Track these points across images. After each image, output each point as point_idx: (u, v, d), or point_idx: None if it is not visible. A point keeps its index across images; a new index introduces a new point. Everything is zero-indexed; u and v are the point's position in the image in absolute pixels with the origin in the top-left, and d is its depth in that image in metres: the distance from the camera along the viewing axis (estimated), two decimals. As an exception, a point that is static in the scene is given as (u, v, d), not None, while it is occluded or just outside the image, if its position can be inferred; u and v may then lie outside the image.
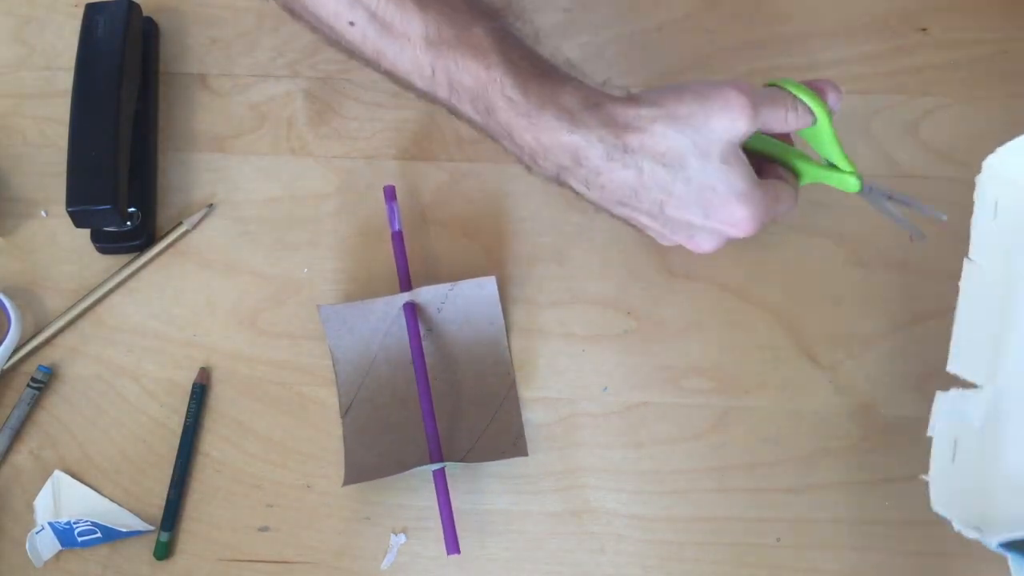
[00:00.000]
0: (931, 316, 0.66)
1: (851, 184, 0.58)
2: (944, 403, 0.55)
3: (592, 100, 0.54)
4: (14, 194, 0.73)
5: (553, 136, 0.54)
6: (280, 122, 0.74)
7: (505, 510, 0.65)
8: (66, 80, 0.70)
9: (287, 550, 0.65)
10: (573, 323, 0.68)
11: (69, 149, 0.68)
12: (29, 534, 0.63)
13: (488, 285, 0.66)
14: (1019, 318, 0.58)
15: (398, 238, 0.68)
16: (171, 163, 0.74)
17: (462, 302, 0.67)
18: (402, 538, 0.64)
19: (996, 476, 0.55)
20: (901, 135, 0.71)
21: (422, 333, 0.67)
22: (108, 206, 0.67)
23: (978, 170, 0.58)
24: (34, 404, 0.67)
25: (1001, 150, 0.58)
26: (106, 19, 0.71)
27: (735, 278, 0.68)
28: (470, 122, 0.57)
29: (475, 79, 0.54)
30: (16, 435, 0.67)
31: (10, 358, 0.68)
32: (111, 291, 0.70)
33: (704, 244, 0.58)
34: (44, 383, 0.68)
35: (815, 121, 0.57)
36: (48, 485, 0.66)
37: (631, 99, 0.55)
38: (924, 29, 0.74)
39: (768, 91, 0.56)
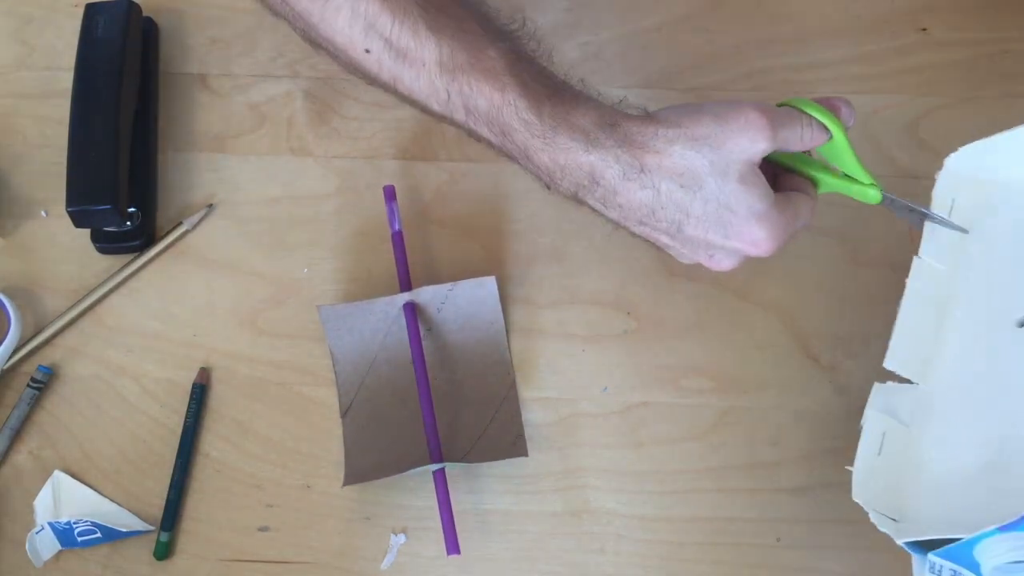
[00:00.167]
0: (931, 316, 0.66)
1: (871, 196, 0.58)
2: (878, 396, 0.56)
3: (608, 119, 0.54)
4: (14, 194, 0.73)
5: (569, 156, 0.54)
6: (280, 122, 0.74)
7: (505, 510, 0.65)
8: (66, 80, 0.70)
9: (287, 550, 0.65)
10: (573, 323, 0.68)
11: (69, 149, 0.68)
12: (29, 534, 0.63)
13: (488, 285, 0.66)
14: (958, 319, 0.58)
15: (398, 238, 0.68)
16: (171, 163, 0.74)
17: (462, 302, 0.67)
18: (402, 538, 0.64)
19: (918, 474, 0.55)
20: (901, 135, 0.71)
21: (422, 333, 0.67)
22: (108, 206, 0.67)
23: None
24: (34, 404, 0.67)
25: (964, 150, 0.59)
26: (106, 19, 0.71)
27: (735, 278, 0.68)
28: (488, 144, 0.57)
29: (489, 102, 0.54)
30: (16, 435, 0.67)
31: (10, 358, 0.68)
32: (111, 291, 0.70)
33: (724, 263, 0.58)
34: (44, 383, 0.68)
35: (831, 138, 0.57)
36: (48, 485, 0.66)
37: (648, 118, 0.55)
38: (924, 29, 0.74)
39: (784, 110, 0.56)
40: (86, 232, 0.71)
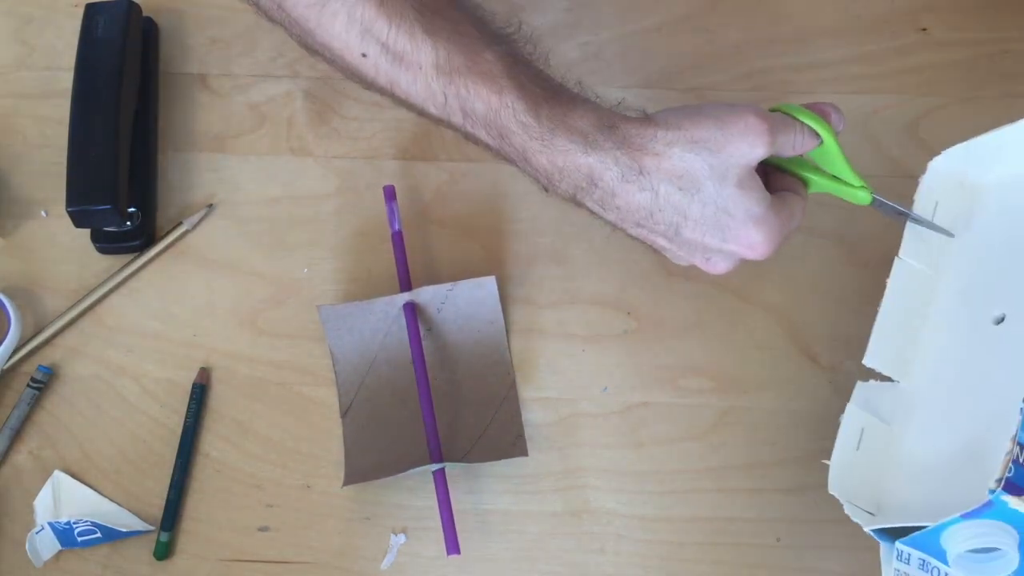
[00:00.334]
0: (931, 316, 0.66)
1: (861, 198, 0.59)
2: (860, 393, 0.57)
3: (606, 121, 0.54)
4: (14, 194, 0.73)
5: (568, 158, 0.54)
6: (280, 122, 0.74)
7: (505, 510, 0.65)
8: (66, 80, 0.70)
9: (287, 550, 0.65)
10: (573, 323, 0.68)
11: (69, 149, 0.68)
12: (29, 534, 0.63)
13: (488, 285, 0.66)
14: (938, 318, 0.59)
15: (398, 238, 0.68)
16: (171, 163, 0.74)
17: (462, 302, 0.67)
18: (402, 538, 0.64)
19: (897, 470, 0.56)
20: (901, 135, 0.71)
21: (422, 333, 0.67)
22: (108, 206, 0.67)
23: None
24: (34, 404, 0.67)
25: (948, 152, 0.60)
26: (106, 19, 0.71)
27: (735, 278, 0.68)
28: (486, 147, 0.57)
29: (487, 105, 0.54)
30: (16, 435, 0.67)
31: (10, 358, 0.68)
32: (111, 291, 0.70)
33: (719, 266, 0.58)
34: (44, 383, 0.68)
35: (821, 143, 0.57)
36: (48, 485, 0.66)
37: (647, 120, 0.55)
38: (924, 29, 0.74)
39: (779, 116, 0.56)
40: (86, 232, 0.71)
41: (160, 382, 0.68)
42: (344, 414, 0.67)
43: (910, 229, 0.60)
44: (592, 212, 0.57)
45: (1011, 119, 0.58)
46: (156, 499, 0.65)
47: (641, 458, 0.65)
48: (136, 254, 0.71)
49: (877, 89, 0.73)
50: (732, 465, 0.65)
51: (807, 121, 0.56)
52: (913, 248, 0.60)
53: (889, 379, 0.58)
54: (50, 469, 0.66)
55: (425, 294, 0.66)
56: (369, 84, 0.57)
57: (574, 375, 0.67)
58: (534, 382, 0.67)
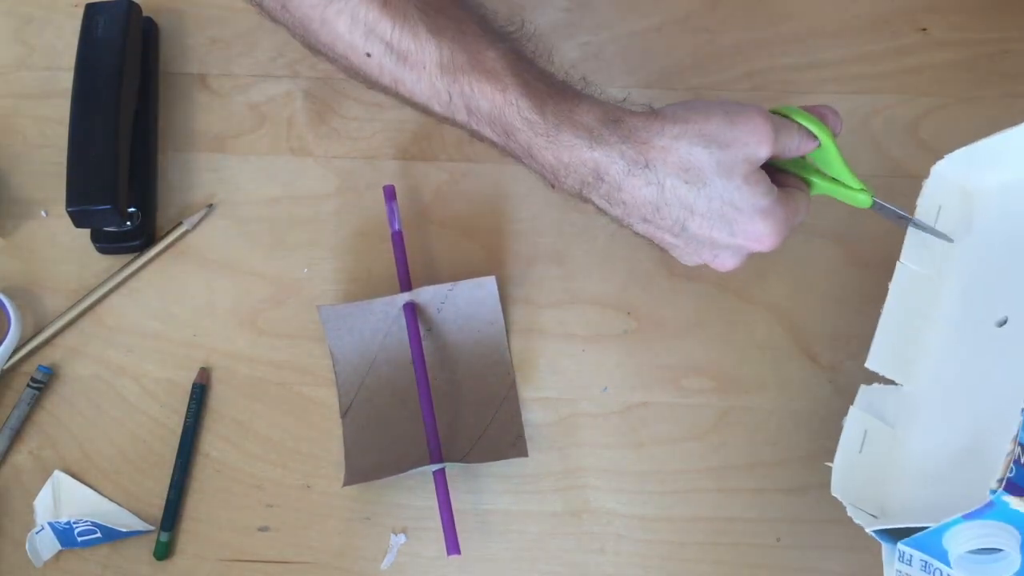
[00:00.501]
0: (931, 316, 0.66)
1: (861, 200, 0.59)
2: (863, 396, 0.58)
3: (611, 116, 0.54)
4: (14, 194, 0.73)
5: (573, 153, 0.54)
6: (280, 122, 0.74)
7: (505, 510, 0.65)
8: (66, 80, 0.70)
9: (287, 550, 0.65)
10: (573, 323, 0.68)
11: (69, 149, 0.68)
12: (29, 534, 0.63)
13: (488, 285, 0.66)
14: (940, 322, 0.59)
15: (398, 238, 0.68)
16: (171, 163, 0.74)
17: (462, 302, 0.67)
18: (402, 538, 0.64)
19: (901, 473, 0.56)
20: (901, 135, 0.71)
21: (422, 333, 0.67)
22: (108, 206, 0.67)
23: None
24: (34, 404, 0.67)
25: (951, 156, 0.60)
26: (106, 19, 0.71)
27: (735, 278, 0.68)
28: (491, 144, 0.57)
29: (491, 103, 0.54)
30: (16, 435, 0.67)
31: (10, 358, 0.68)
32: (111, 291, 0.70)
33: (728, 262, 0.58)
34: (44, 383, 0.68)
35: (819, 145, 0.57)
36: (48, 485, 0.66)
37: (652, 114, 0.55)
38: (924, 29, 0.74)
39: (779, 118, 0.57)
40: (86, 232, 0.71)
41: (160, 382, 0.68)
42: (344, 414, 0.67)
43: (912, 233, 0.60)
44: (598, 208, 0.57)
45: (1012, 119, 0.58)
46: (156, 499, 0.65)
47: (641, 458, 0.65)
48: (136, 254, 0.71)
49: (877, 89, 0.73)
50: (732, 465, 0.65)
51: (804, 123, 0.57)
52: (915, 252, 0.60)
53: (892, 382, 0.58)
54: (50, 469, 0.66)
55: (425, 294, 0.66)
56: (373, 83, 0.57)
57: (574, 375, 0.67)
58: (534, 382, 0.67)
